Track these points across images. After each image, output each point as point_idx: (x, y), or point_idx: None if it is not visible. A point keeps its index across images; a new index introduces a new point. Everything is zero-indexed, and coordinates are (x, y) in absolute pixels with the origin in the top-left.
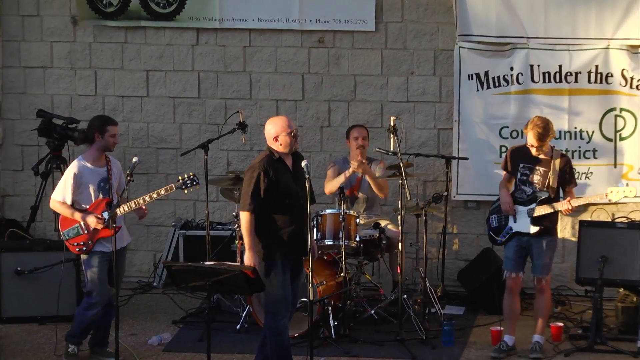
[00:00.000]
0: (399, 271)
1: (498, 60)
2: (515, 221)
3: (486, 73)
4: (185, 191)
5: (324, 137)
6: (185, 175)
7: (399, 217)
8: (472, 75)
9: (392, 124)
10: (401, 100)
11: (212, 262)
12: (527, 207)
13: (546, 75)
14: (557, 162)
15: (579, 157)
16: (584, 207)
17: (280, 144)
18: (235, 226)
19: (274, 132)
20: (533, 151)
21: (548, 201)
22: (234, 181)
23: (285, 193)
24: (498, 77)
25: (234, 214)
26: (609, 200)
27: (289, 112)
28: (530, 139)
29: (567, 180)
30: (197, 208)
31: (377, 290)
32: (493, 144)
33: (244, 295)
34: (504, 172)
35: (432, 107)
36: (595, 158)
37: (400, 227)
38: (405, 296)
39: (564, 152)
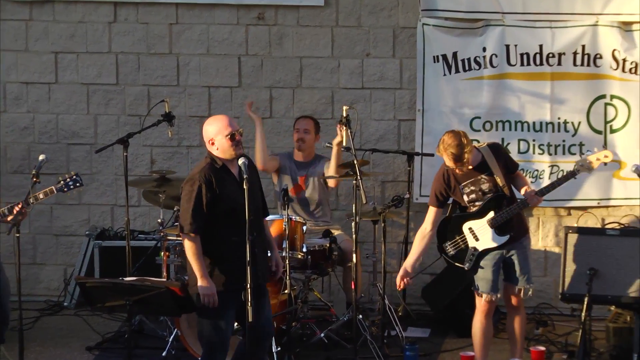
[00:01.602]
0: (353, 287)
1: (468, 39)
2: (477, 239)
3: (454, 55)
4: (68, 193)
5: (265, 130)
6: (67, 175)
7: (353, 224)
8: (438, 57)
9: (344, 115)
10: (355, 87)
11: (134, 278)
12: (485, 218)
13: (525, 56)
14: (492, 157)
15: (563, 153)
16: (569, 211)
17: (217, 149)
18: (161, 235)
19: (210, 133)
20: (457, 171)
21: (506, 201)
22: (158, 182)
23: (230, 208)
24: (468, 60)
25: (159, 220)
26: (586, 173)
27: (224, 100)
28: (447, 163)
29: (511, 167)
30: (116, 214)
31: (327, 310)
32: None
33: (171, 316)
34: (433, 210)
35: (392, 95)
36: (582, 154)
37: (354, 236)
38: (360, 317)
39: (488, 142)
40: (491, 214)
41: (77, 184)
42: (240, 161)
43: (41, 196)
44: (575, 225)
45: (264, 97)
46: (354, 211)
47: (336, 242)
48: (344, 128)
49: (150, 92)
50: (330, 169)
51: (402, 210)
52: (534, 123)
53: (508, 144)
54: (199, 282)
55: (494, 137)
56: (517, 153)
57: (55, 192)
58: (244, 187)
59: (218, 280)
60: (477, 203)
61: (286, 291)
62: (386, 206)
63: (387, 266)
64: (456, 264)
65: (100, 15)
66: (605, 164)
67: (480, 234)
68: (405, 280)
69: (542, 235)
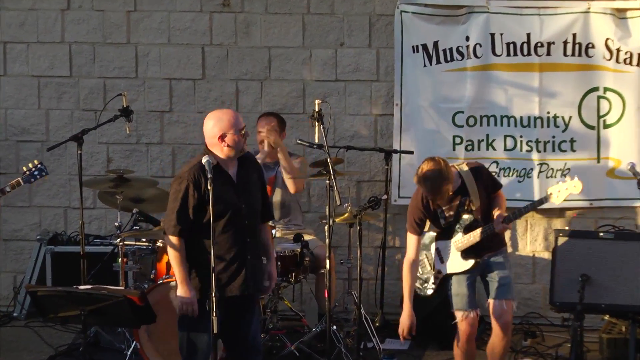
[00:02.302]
0: (326, 296)
1: (450, 27)
2: (442, 261)
3: (435, 44)
4: (35, 184)
5: None
6: (31, 165)
7: (326, 227)
8: (417, 47)
9: (316, 109)
10: (328, 79)
11: (89, 286)
12: (452, 239)
13: (511, 46)
14: (472, 181)
15: (553, 150)
16: (559, 213)
17: (228, 145)
18: (118, 240)
19: (219, 129)
20: (435, 204)
21: (476, 225)
22: (116, 183)
23: (221, 212)
24: (450, 50)
25: (116, 224)
26: (553, 204)
27: (186, 94)
28: (428, 195)
29: (491, 189)
30: (69, 217)
31: (299, 320)
32: (445, 134)
33: (129, 327)
34: (414, 238)
35: (368, 88)
36: (573, 151)
37: (327, 240)
38: (334, 327)
39: (470, 165)
40: (459, 236)
41: (43, 173)
42: (204, 160)
43: (8, 189)
44: (566, 228)
45: (229, 91)
46: (327, 213)
47: (308, 247)
48: (317, 124)
49: (107, 85)
50: (286, 173)
51: (380, 213)
52: (521, 118)
53: (493, 140)
54: (178, 290)
55: (478, 133)
56: (503, 150)
57: (22, 183)
58: (209, 187)
59: (202, 287)
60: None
61: None
62: (362, 208)
63: (363, 273)
64: (418, 286)
65: (52, 2)
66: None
67: (446, 255)
68: (412, 330)
69: (531, 239)
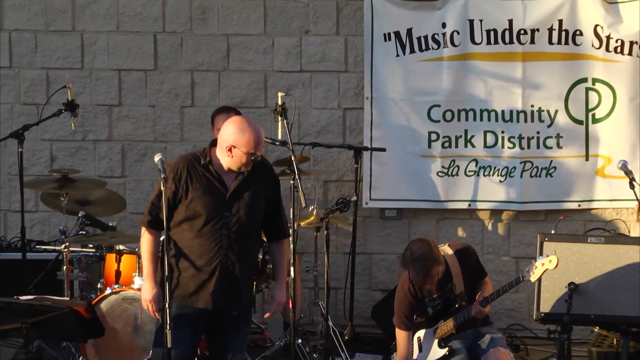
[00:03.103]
0: (290, 306)
1: (425, 13)
2: (420, 350)
3: (409, 32)
4: None
5: (185, 122)
6: None
7: (290, 231)
8: (389, 34)
9: (279, 103)
10: (292, 70)
11: (31, 297)
12: (432, 328)
13: (491, 33)
14: (457, 266)
15: (537, 147)
16: (545, 216)
17: (231, 157)
18: (63, 247)
19: (234, 140)
20: (426, 288)
21: (458, 311)
22: (60, 183)
23: (197, 213)
24: (425, 37)
25: (61, 228)
26: (530, 280)
27: (137, 86)
28: (415, 280)
29: (477, 276)
30: (9, 221)
31: (260, 334)
32: (419, 130)
33: (75, 342)
34: (404, 334)
35: (335, 79)
36: (559, 147)
37: (292, 246)
38: (300, 341)
39: (455, 248)
40: (439, 323)
41: None
42: (157, 158)
43: None
44: (552, 231)
45: (184, 82)
46: (291, 217)
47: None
48: (280, 119)
49: (50, 76)
50: None
51: (349, 215)
52: (502, 112)
53: (472, 136)
54: (143, 285)
55: (455, 129)
56: (483, 147)
57: None
58: (162, 188)
59: (175, 293)
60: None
61: None
62: (330, 210)
63: (331, 281)
64: None
65: None
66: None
67: (425, 344)
68: None
69: (513, 243)
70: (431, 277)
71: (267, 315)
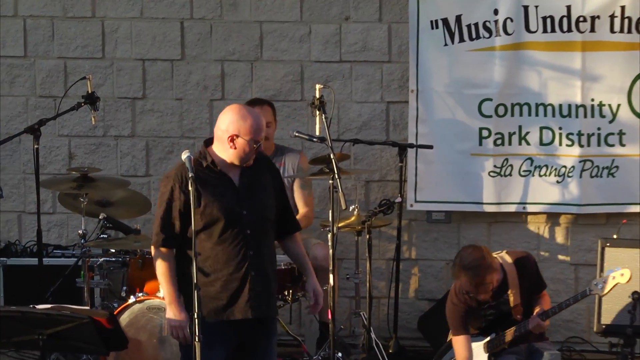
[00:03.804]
0: (329, 317)
1: None
2: None
3: (458, 19)
4: None
5: (214, 116)
6: None
7: (329, 235)
8: (436, 21)
9: (317, 96)
10: (331, 60)
11: (48, 306)
12: (484, 340)
13: (548, 21)
14: (515, 276)
15: (598, 144)
16: (606, 219)
17: (235, 150)
18: (82, 251)
19: (235, 128)
20: (479, 297)
21: (513, 324)
22: (79, 183)
23: (214, 218)
24: (476, 25)
25: (80, 232)
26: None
27: (163, 78)
28: (466, 287)
29: (535, 288)
30: (24, 224)
31: (297, 347)
32: (470, 126)
33: (95, 354)
34: (462, 338)
35: (378, 70)
36: (622, 145)
37: (331, 251)
38: (339, 355)
39: (515, 256)
40: (492, 336)
41: None
42: (184, 155)
43: None
44: (614, 236)
45: (213, 73)
46: (330, 219)
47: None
48: (317, 114)
49: (68, 66)
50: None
51: (393, 218)
52: (560, 106)
53: (527, 133)
54: (167, 311)
55: (509, 125)
56: (538, 144)
57: None
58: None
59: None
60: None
61: None
62: (372, 213)
63: (373, 290)
64: None
65: None
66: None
67: (475, 357)
68: None
69: (571, 249)
70: (484, 286)
71: (316, 312)
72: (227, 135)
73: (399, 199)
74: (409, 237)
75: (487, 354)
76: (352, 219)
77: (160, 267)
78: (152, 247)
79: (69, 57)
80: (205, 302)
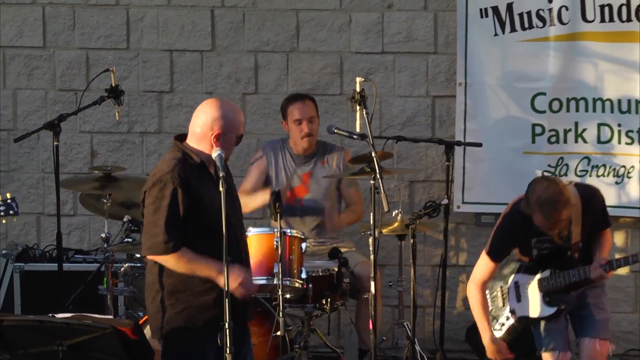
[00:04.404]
0: (371, 327)
1: None
2: (519, 300)
3: (509, 7)
4: None
5: (247, 111)
6: None
7: (370, 240)
8: (486, 10)
9: (357, 90)
10: (373, 51)
11: (68, 315)
12: (537, 277)
13: (606, 9)
14: (579, 210)
15: None
16: None
17: (219, 147)
18: (105, 256)
19: (220, 127)
20: (550, 234)
21: (570, 264)
22: (102, 183)
23: (214, 219)
24: (528, 14)
25: (103, 235)
26: None
27: (192, 70)
28: (541, 224)
29: (599, 225)
30: (43, 226)
31: (336, 359)
32: (522, 122)
33: None
34: (492, 265)
35: (423, 62)
36: None
37: (372, 257)
38: None
39: (580, 185)
40: (546, 273)
41: (10, 212)
42: (216, 153)
43: None
44: None
45: (246, 65)
46: (371, 223)
47: (347, 265)
48: (358, 109)
49: (90, 58)
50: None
51: (439, 221)
52: (619, 101)
53: (583, 129)
54: (225, 279)
55: (564, 121)
56: (596, 142)
57: None
58: (221, 188)
59: (194, 319)
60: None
61: (279, 333)
62: (416, 216)
63: (418, 298)
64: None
65: None
66: None
67: (524, 293)
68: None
69: (632, 253)
70: (560, 223)
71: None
72: (212, 134)
73: (445, 201)
74: (456, 241)
75: (541, 293)
76: (395, 223)
77: (184, 265)
78: (160, 256)
79: (91, 48)
80: (201, 312)
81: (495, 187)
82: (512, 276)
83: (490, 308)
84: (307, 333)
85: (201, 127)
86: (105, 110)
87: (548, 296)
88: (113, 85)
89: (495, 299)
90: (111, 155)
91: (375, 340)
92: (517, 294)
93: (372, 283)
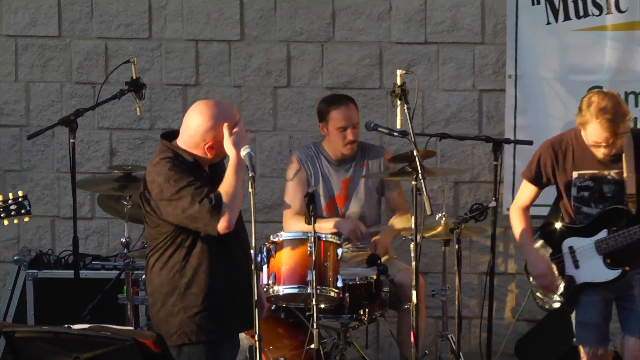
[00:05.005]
0: (412, 340)
1: None
2: (577, 266)
3: None
4: (6, 222)
5: (279, 106)
6: (11, 195)
7: (412, 245)
8: None
9: (398, 83)
10: (415, 41)
11: (86, 326)
12: (593, 238)
13: None
14: (631, 150)
15: None
16: None
17: (212, 156)
18: (125, 262)
19: (213, 137)
20: (600, 152)
21: (627, 220)
22: (121, 183)
23: None
24: (584, 1)
25: (123, 240)
26: None
27: (219, 61)
28: (597, 135)
29: None
30: (58, 230)
31: None
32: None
33: None
34: (531, 188)
35: (469, 53)
36: None
37: (414, 264)
38: None
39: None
40: (602, 234)
41: (22, 211)
42: (245, 152)
43: None
44: None
45: (277, 56)
46: (413, 227)
47: (387, 273)
48: (399, 103)
49: (109, 48)
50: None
51: (486, 226)
52: None
53: None
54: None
55: None
56: None
57: None
58: (250, 189)
59: (207, 321)
60: (583, 209)
61: (312, 346)
62: (462, 219)
63: (463, 309)
64: (540, 296)
65: None
66: None
67: (582, 258)
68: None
69: None
70: (617, 137)
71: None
72: (205, 144)
73: (493, 203)
74: (504, 247)
75: (600, 256)
76: (439, 227)
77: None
78: (215, 216)
79: (110, 37)
80: (215, 315)
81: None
82: (565, 241)
83: None
84: (343, 346)
85: (192, 137)
86: (126, 105)
87: (609, 258)
88: (134, 77)
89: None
90: (132, 153)
91: (417, 354)
92: (574, 259)
93: (414, 292)
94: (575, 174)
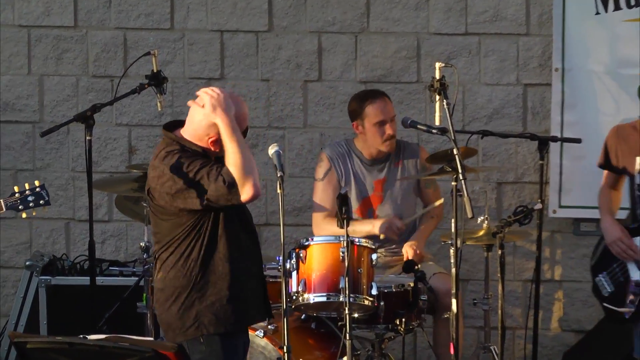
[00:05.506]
0: (452, 351)
1: None
2: None
3: None
4: (24, 214)
5: (309, 101)
6: (27, 186)
7: (451, 250)
8: None
9: (437, 77)
10: (455, 32)
11: (102, 336)
12: None
13: None
14: None
15: None
16: None
17: (217, 150)
18: (145, 267)
19: (216, 132)
20: None
21: None
22: (141, 183)
23: (235, 213)
24: None
25: (142, 244)
26: None
27: (245, 53)
28: None
29: None
30: (73, 234)
31: None
32: (628, 114)
33: None
34: (605, 175)
35: (513, 45)
36: None
37: (454, 270)
38: None
39: None
40: None
41: (41, 202)
42: (273, 150)
43: None
44: None
45: (308, 48)
46: (453, 231)
47: (425, 280)
48: (437, 99)
49: (128, 39)
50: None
51: (531, 229)
52: None
53: None
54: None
55: None
56: None
57: (3, 208)
58: (279, 190)
59: (228, 316)
60: None
61: (345, 358)
62: (505, 223)
63: (506, 318)
64: (612, 306)
65: None
66: None
67: None
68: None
69: None
70: None
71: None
72: (210, 138)
73: (539, 205)
74: (551, 253)
75: None
76: (481, 231)
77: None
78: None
79: (129, 28)
80: (231, 305)
81: (597, 189)
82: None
83: (609, 290)
84: (378, 358)
85: (196, 131)
86: (146, 100)
87: None
88: (154, 71)
89: (617, 280)
90: (152, 151)
91: None
92: (638, 262)
93: (454, 300)
94: (637, 173)
